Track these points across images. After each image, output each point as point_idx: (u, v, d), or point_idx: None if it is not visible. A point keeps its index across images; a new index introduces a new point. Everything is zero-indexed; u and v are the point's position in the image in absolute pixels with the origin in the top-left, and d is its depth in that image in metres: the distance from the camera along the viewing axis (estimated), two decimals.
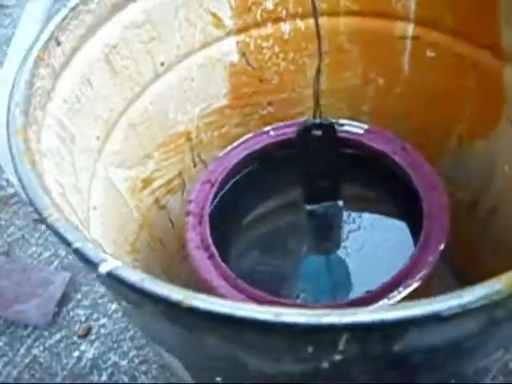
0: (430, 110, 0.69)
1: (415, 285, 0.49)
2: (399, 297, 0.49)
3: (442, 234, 0.53)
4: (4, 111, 0.92)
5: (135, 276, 0.31)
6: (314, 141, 0.58)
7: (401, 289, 0.49)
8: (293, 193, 0.63)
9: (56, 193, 0.42)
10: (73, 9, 0.50)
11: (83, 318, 0.88)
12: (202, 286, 0.53)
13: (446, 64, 0.64)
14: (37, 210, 0.35)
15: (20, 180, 0.37)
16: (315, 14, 0.48)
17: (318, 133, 0.57)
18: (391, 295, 0.49)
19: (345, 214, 0.62)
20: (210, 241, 0.55)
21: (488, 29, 0.58)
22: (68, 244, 0.32)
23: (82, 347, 0.85)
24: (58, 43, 0.49)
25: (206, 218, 0.57)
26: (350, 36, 0.67)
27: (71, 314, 0.89)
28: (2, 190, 1.10)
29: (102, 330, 0.86)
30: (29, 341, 0.86)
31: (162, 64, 0.62)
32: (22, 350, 0.85)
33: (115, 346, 0.84)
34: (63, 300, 0.89)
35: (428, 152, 0.63)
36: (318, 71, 0.53)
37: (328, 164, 0.60)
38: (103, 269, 0.31)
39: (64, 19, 0.49)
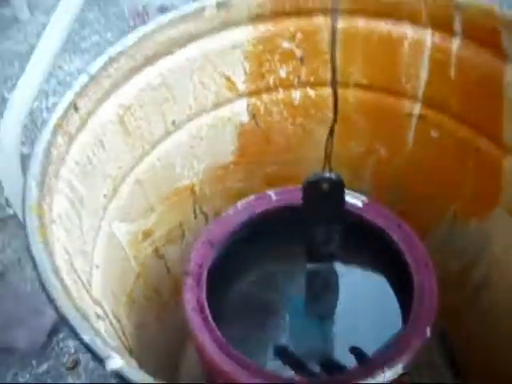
0: (428, 185, 0.71)
1: (400, 365, 0.51)
2: (384, 377, 0.50)
3: (429, 315, 0.55)
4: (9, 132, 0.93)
5: (138, 376, 0.32)
6: (321, 196, 0.58)
7: (386, 369, 0.51)
8: (291, 255, 0.65)
9: (63, 261, 0.44)
10: (92, 75, 0.52)
11: (72, 350, 0.89)
12: (195, 345, 0.55)
13: (448, 145, 0.66)
14: (47, 294, 0.36)
15: (32, 257, 0.39)
16: (334, 79, 0.49)
17: (326, 186, 0.57)
18: (376, 374, 0.50)
19: (339, 279, 0.63)
20: (206, 303, 0.56)
21: (491, 120, 0.60)
22: (77, 335, 0.34)
23: (69, 380, 0.86)
24: (76, 109, 0.50)
25: (204, 279, 0.58)
26: (358, 108, 0.69)
27: (61, 344, 0.90)
28: (0, 211, 1.11)
29: (91, 364, 0.87)
30: (16, 369, 0.87)
31: (174, 123, 0.63)
32: (9, 378, 0.86)
33: (102, 380, 0.85)
34: (54, 330, 0.90)
35: (423, 222, 0.65)
36: (332, 128, 0.53)
37: (330, 225, 0.61)
38: (109, 366, 0.32)
39: (84, 86, 0.51)
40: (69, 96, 0.49)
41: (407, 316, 0.55)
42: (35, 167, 0.44)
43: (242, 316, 0.62)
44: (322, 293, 0.64)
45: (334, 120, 0.50)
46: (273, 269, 0.66)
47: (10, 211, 1.09)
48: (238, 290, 0.63)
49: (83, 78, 0.51)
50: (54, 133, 0.47)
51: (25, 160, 0.52)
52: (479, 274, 0.69)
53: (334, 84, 0.49)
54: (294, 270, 0.65)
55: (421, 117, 0.67)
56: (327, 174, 0.57)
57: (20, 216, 0.55)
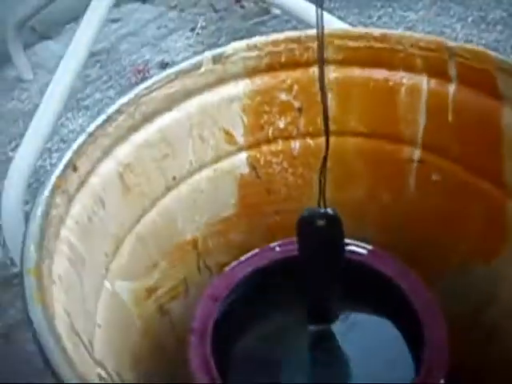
0: (432, 229, 0.70)
1: None
2: None
3: (442, 365, 0.53)
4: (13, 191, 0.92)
5: None
6: (317, 234, 0.55)
7: None
8: (297, 310, 0.63)
9: (63, 323, 0.43)
10: (90, 134, 0.52)
11: None
12: None
13: (450, 188, 0.65)
14: (46, 362, 0.35)
15: (30, 322, 0.38)
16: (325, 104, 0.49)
17: (322, 222, 0.55)
18: None
19: (346, 333, 0.62)
20: (212, 363, 0.55)
21: (491, 162, 0.60)
22: None
23: None
24: (75, 169, 0.50)
25: (209, 337, 0.57)
26: (357, 155, 0.69)
27: None
28: (5, 269, 1.11)
29: None
30: None
31: (174, 178, 0.63)
32: None
33: None
34: None
35: (429, 267, 0.64)
36: (325, 158, 0.52)
37: (331, 271, 0.60)
38: None
39: (82, 145, 0.51)
40: (67, 156, 0.49)
41: (419, 368, 0.53)
42: (34, 229, 0.44)
43: (248, 375, 0.61)
44: (327, 356, 0.62)
45: (327, 148, 0.50)
46: (277, 325, 0.64)
47: (15, 270, 1.09)
48: (243, 347, 0.61)
49: (81, 138, 0.51)
50: (53, 193, 0.47)
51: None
52: (488, 324, 0.68)
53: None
54: (298, 327, 0.64)
55: (421, 161, 0.66)
56: (322, 210, 0.55)
57: None
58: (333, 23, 1.06)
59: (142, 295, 0.64)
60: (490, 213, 0.63)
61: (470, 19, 1.51)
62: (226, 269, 0.64)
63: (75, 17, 1.67)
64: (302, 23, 1.19)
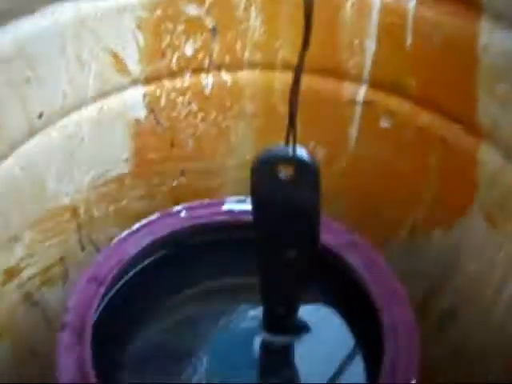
0: (377, 192, 0.57)
1: None
2: None
3: (410, 365, 0.39)
4: None
5: None
6: (279, 189, 0.33)
7: None
8: (209, 297, 0.48)
9: None
10: None
11: None
12: None
13: (403, 137, 0.52)
14: None
15: None
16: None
17: (289, 172, 0.33)
18: None
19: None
20: (92, 372, 0.38)
21: (462, 99, 0.47)
22: None
23: None
24: None
25: (88, 335, 0.40)
26: (286, 96, 0.54)
27: None
28: None
29: None
30: None
31: (40, 116, 0.45)
32: None
33: None
34: None
35: (373, 240, 0.50)
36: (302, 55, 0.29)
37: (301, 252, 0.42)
38: None
39: None
40: None
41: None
42: None
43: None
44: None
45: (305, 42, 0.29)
46: (185, 314, 0.48)
47: None
48: (136, 345, 0.45)
49: None
50: None
51: None
52: (445, 304, 0.55)
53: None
54: (219, 313, 0.48)
55: (367, 103, 0.52)
56: (290, 150, 0.33)
57: None
58: None
59: None
60: (454, 166, 0.50)
61: None
62: (114, 241, 0.47)
63: None
64: None
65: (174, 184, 0.59)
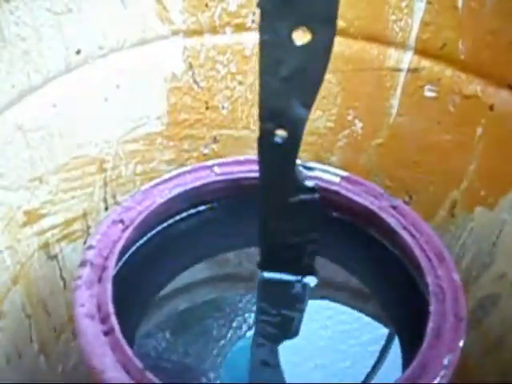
0: (416, 168, 0.54)
1: None
2: None
3: (457, 326, 0.36)
4: None
5: None
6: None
7: None
8: (239, 255, 0.45)
9: None
10: None
11: None
12: (92, 375, 0.34)
13: (449, 107, 0.49)
14: None
15: None
16: None
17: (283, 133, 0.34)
18: None
19: (307, 293, 0.44)
20: (111, 309, 0.35)
21: None
22: None
23: None
24: None
25: (110, 275, 0.38)
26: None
27: None
28: None
29: None
30: None
31: (78, 52, 0.44)
32: None
33: None
34: None
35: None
36: None
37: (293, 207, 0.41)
38: None
39: None
40: None
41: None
42: None
43: (168, 334, 0.41)
44: (279, 308, 0.44)
45: None
46: (212, 272, 0.46)
47: None
48: (157, 297, 0.42)
49: None
50: None
51: None
52: (485, 291, 0.52)
53: None
54: (242, 274, 0.46)
55: (411, 70, 0.50)
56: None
57: None
58: None
59: (16, 217, 0.44)
60: (503, 136, 0.47)
61: None
62: (143, 188, 0.45)
63: None
64: None
65: (206, 151, 0.57)
